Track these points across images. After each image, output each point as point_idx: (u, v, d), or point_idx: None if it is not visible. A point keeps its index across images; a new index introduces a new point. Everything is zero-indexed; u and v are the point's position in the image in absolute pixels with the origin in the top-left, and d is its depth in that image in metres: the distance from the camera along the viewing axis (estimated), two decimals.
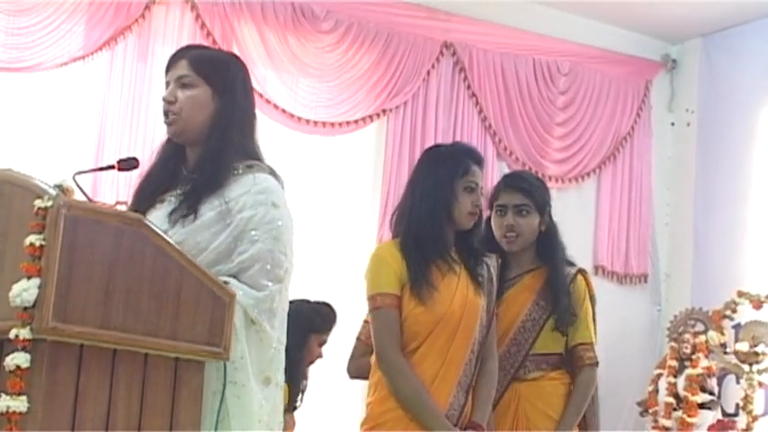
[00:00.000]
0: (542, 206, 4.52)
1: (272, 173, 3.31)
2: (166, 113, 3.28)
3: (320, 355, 5.16)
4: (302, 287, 5.21)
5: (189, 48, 3.37)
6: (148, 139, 6.45)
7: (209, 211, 3.17)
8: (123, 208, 5.96)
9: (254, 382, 3.07)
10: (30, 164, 5.87)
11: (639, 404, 7.74)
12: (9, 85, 6.46)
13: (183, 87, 3.25)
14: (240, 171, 3.24)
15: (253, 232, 3.13)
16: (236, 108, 3.29)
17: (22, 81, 6.48)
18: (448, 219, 3.95)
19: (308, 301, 5.25)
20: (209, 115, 3.26)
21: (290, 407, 4.96)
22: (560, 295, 4.38)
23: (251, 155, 3.31)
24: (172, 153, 3.35)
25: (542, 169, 8.13)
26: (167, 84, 3.31)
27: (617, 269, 8.45)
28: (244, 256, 3.11)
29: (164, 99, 3.28)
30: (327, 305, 5.35)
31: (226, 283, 2.99)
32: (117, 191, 6.37)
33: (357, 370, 4.62)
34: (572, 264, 4.56)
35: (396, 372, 3.82)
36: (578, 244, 8.10)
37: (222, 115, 3.26)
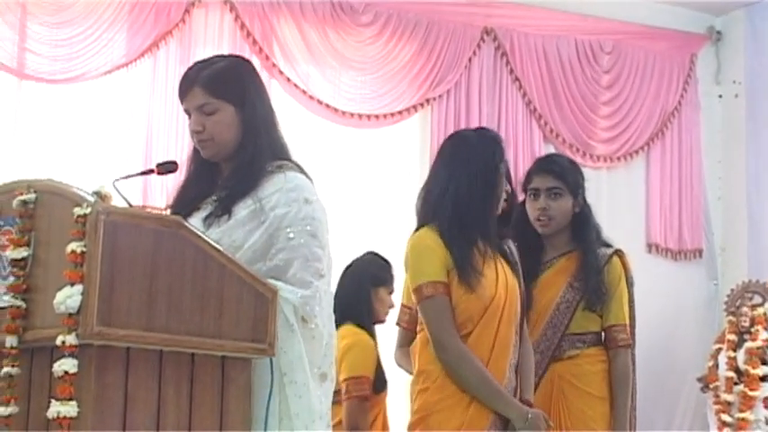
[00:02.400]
0: (575, 188, 4.52)
1: (301, 170, 3.34)
2: (198, 141, 3.33)
3: (392, 305, 5.13)
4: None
5: (196, 71, 3.35)
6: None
7: (242, 210, 3.21)
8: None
9: (312, 380, 3.11)
10: (80, 173, 5.99)
11: (700, 380, 7.70)
12: (55, 96, 6.56)
13: (207, 115, 3.29)
14: (271, 170, 3.27)
15: (288, 229, 3.16)
16: (259, 113, 3.33)
17: (68, 92, 6.58)
18: (496, 203, 3.95)
19: (360, 259, 5.23)
20: (237, 130, 3.30)
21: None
22: (590, 275, 4.39)
23: (280, 154, 3.34)
24: (206, 165, 3.39)
25: (590, 149, 8.12)
26: (187, 112, 3.36)
27: (671, 246, 8.40)
28: (282, 254, 3.14)
29: (192, 131, 3.33)
30: (375, 254, 5.34)
31: None
32: (167, 195, 6.42)
33: (402, 358, 4.61)
34: (608, 245, 4.55)
35: (458, 358, 3.80)
36: (630, 222, 8.16)
37: (249, 125, 3.30)
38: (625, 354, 4.44)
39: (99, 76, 6.58)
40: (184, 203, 3.37)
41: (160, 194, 6.44)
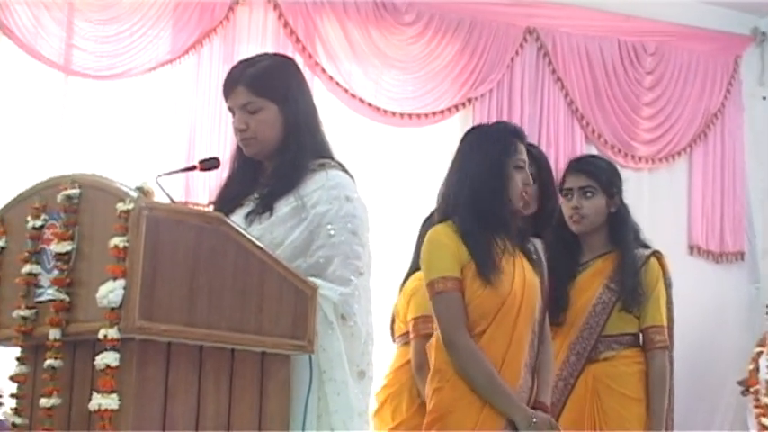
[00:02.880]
0: (608, 187, 4.52)
1: (343, 168, 3.36)
2: (241, 139, 3.36)
3: None
4: (392, 278, 5.27)
5: (240, 69, 3.39)
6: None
7: (284, 207, 3.23)
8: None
9: (350, 377, 3.13)
10: (124, 169, 6.05)
11: (740, 383, 7.65)
12: (101, 92, 6.63)
13: (251, 113, 3.32)
14: (313, 169, 3.30)
15: (329, 227, 3.19)
16: (301, 111, 3.36)
17: (113, 88, 6.65)
18: (509, 197, 3.94)
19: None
20: (280, 129, 3.33)
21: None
22: (626, 276, 4.38)
23: (321, 152, 3.36)
24: (249, 163, 3.42)
25: (632, 150, 8.10)
26: (231, 110, 3.39)
27: (712, 248, 8.37)
28: (322, 251, 3.17)
29: (236, 129, 3.36)
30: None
31: None
32: (209, 192, 6.48)
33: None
34: (647, 246, 4.54)
35: (467, 356, 3.73)
36: (672, 224, 8.13)
37: (292, 124, 3.33)
38: (662, 355, 4.41)
39: (144, 72, 6.65)
40: (227, 201, 3.40)
41: (203, 190, 6.49)
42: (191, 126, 6.72)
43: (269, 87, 3.33)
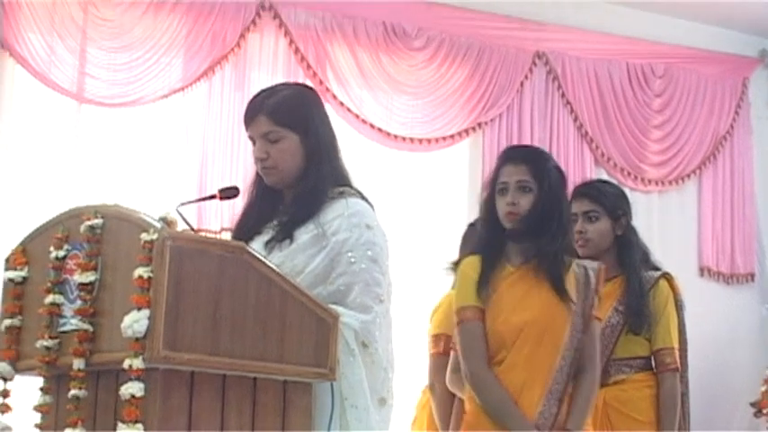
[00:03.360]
0: (613, 210, 4.55)
1: (362, 196, 3.39)
2: (262, 168, 3.38)
3: None
4: (398, 302, 5.28)
5: (261, 99, 3.40)
6: (249, 166, 6.53)
7: (304, 234, 3.26)
8: (227, 235, 6.15)
9: (372, 405, 3.15)
10: (136, 196, 6.07)
11: (753, 405, 7.64)
12: (114, 119, 6.66)
13: (272, 142, 3.34)
14: (332, 197, 3.32)
15: (349, 254, 3.21)
16: (322, 142, 3.39)
17: (125, 115, 6.68)
18: (492, 222, 3.95)
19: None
20: (301, 158, 3.35)
21: None
22: (633, 299, 4.41)
23: (341, 180, 3.39)
24: (268, 191, 3.45)
25: (641, 173, 8.12)
26: (252, 139, 3.40)
27: (723, 269, 8.37)
28: (342, 278, 3.19)
29: (257, 158, 3.37)
30: None
31: None
32: (221, 218, 6.50)
33: (455, 383, 4.55)
34: (657, 269, 4.56)
35: (482, 385, 3.81)
36: (682, 246, 8.14)
37: (313, 153, 3.36)
38: (672, 377, 4.41)
39: (156, 99, 6.67)
40: (246, 228, 3.43)
41: (215, 217, 6.50)
42: (202, 153, 6.73)
43: (290, 117, 3.35)
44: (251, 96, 3.47)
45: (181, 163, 6.74)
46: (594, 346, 3.93)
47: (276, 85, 3.52)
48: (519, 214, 3.86)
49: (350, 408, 3.09)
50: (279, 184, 3.40)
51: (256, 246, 3.26)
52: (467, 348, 3.86)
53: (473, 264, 3.92)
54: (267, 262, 2.90)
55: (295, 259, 3.23)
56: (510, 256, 3.94)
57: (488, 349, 3.83)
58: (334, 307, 3.06)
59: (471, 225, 5.05)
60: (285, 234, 3.29)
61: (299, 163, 3.35)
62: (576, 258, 4.04)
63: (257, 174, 3.46)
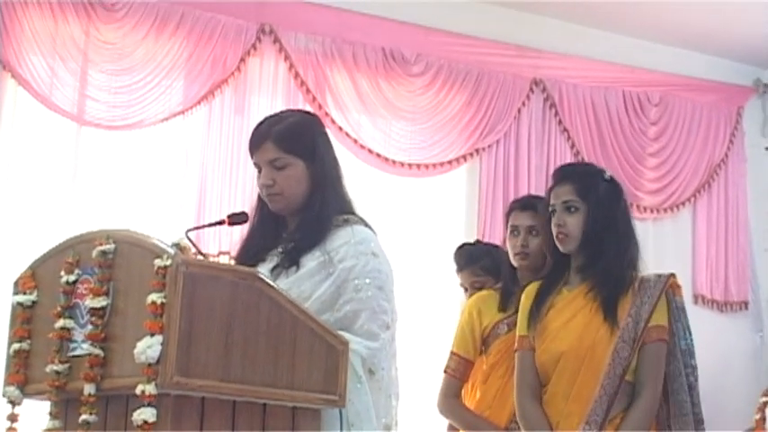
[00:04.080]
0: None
1: (366, 224, 3.41)
2: (267, 194, 3.39)
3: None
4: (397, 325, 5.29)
5: (267, 126, 3.41)
6: (248, 191, 6.61)
7: (310, 261, 3.28)
8: (226, 259, 6.16)
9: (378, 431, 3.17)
10: (135, 218, 6.08)
11: None
12: (114, 141, 6.67)
13: (278, 169, 3.35)
14: (337, 224, 3.34)
15: (356, 281, 3.23)
16: (327, 169, 3.41)
17: (125, 138, 6.69)
18: (555, 247, 3.95)
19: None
20: (306, 185, 3.37)
21: None
22: None
23: (345, 208, 3.42)
24: (271, 218, 3.46)
25: (637, 200, 8.14)
26: (257, 165, 3.41)
27: (717, 297, 8.40)
28: (349, 305, 3.21)
29: (262, 184, 3.38)
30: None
31: None
32: (219, 242, 6.50)
33: (447, 411, 4.52)
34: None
35: (521, 416, 3.82)
36: (676, 273, 8.12)
37: (317, 180, 3.38)
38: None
39: (156, 123, 6.68)
40: (249, 254, 3.44)
41: (213, 241, 6.49)
42: (201, 176, 6.74)
43: (297, 144, 3.37)
44: (253, 122, 3.52)
45: (180, 186, 6.74)
46: (648, 370, 3.72)
47: (282, 112, 3.54)
48: (567, 235, 3.81)
49: (358, 420, 3.10)
50: (284, 211, 3.42)
51: (262, 272, 3.27)
52: (516, 378, 3.87)
53: (530, 291, 3.92)
54: (279, 289, 2.91)
55: (302, 286, 3.24)
56: (570, 280, 3.88)
57: (540, 379, 3.82)
58: (341, 333, 3.06)
59: (468, 245, 5.06)
60: (291, 261, 3.30)
61: (304, 190, 3.37)
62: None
63: (260, 200, 3.48)
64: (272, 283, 2.89)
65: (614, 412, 3.70)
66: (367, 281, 3.25)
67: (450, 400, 4.50)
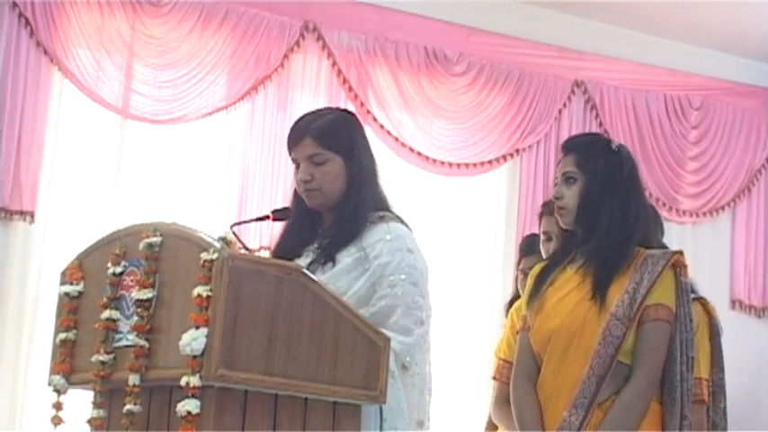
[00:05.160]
0: None
1: (402, 221, 3.44)
2: (305, 190, 3.42)
3: None
4: (433, 324, 5.30)
5: (306, 122, 3.45)
6: (289, 186, 6.61)
7: (346, 257, 3.32)
8: (266, 254, 6.19)
9: (410, 427, 3.18)
10: (177, 212, 6.13)
11: None
12: (157, 136, 6.75)
13: (317, 165, 3.39)
14: (373, 221, 3.38)
15: (391, 278, 3.26)
16: (364, 166, 3.44)
17: (169, 132, 6.77)
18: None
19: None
20: (344, 181, 3.41)
21: None
22: None
23: (381, 205, 3.45)
24: (307, 214, 3.49)
25: (676, 204, 8.13)
26: (295, 161, 3.45)
27: (755, 302, 8.36)
28: (384, 301, 3.24)
29: (300, 180, 3.41)
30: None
31: None
32: (260, 237, 6.54)
33: (501, 418, 4.32)
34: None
35: (514, 400, 3.61)
36: (714, 278, 8.12)
37: (355, 177, 3.41)
38: (699, 410, 3.86)
39: (199, 117, 6.74)
40: (285, 250, 3.46)
41: (254, 237, 6.52)
42: (243, 171, 6.79)
43: (335, 140, 3.40)
44: (295, 118, 3.53)
45: (222, 181, 6.80)
46: (643, 352, 3.44)
47: (321, 109, 3.59)
48: (564, 208, 3.55)
49: (389, 429, 3.11)
50: (320, 207, 3.45)
51: (302, 262, 3.32)
52: (514, 360, 3.68)
53: (536, 270, 3.72)
54: (322, 284, 2.93)
55: (338, 282, 3.26)
56: (575, 258, 3.60)
57: (536, 361, 3.60)
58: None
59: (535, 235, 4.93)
60: (327, 257, 3.34)
61: (341, 186, 3.40)
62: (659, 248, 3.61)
63: (296, 195, 3.51)
64: (315, 278, 2.91)
65: (605, 395, 3.41)
66: (402, 277, 3.27)
67: (505, 406, 4.32)
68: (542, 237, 4.43)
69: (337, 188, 3.40)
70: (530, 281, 3.72)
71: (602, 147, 3.61)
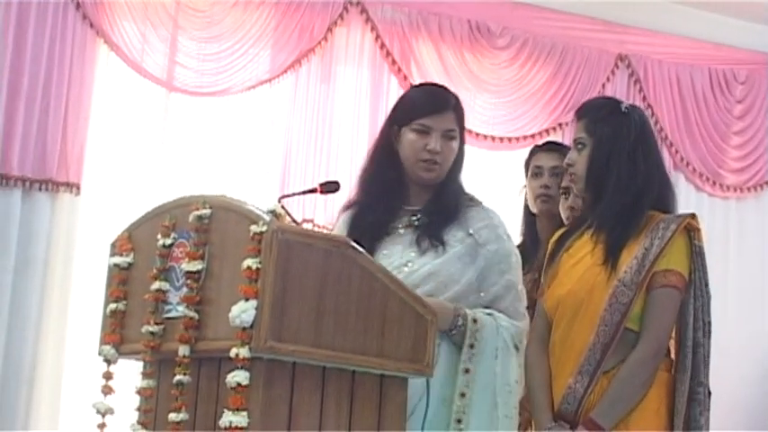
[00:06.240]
0: None
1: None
2: (431, 161, 3.46)
3: None
4: None
5: (449, 94, 3.57)
6: (332, 159, 6.72)
7: (456, 242, 3.43)
8: (310, 226, 6.22)
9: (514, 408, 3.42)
10: (221, 184, 6.16)
11: None
12: (201, 108, 6.77)
13: (449, 140, 3.47)
14: (465, 203, 3.50)
15: (501, 265, 3.42)
16: (463, 148, 3.56)
17: (213, 104, 6.79)
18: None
19: None
20: (452, 161, 3.51)
21: None
22: None
23: (463, 188, 3.57)
24: (395, 189, 3.54)
25: (720, 179, 8.09)
26: (426, 128, 3.46)
27: None
28: (496, 287, 3.40)
29: (432, 149, 3.44)
30: None
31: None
32: (303, 209, 6.56)
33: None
34: None
35: (525, 363, 3.51)
36: (758, 252, 8.08)
37: (459, 158, 3.54)
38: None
39: (243, 90, 6.76)
40: (367, 224, 3.50)
41: (297, 209, 6.53)
42: (287, 144, 6.82)
43: (463, 120, 3.56)
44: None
45: (265, 153, 6.83)
46: (651, 319, 3.36)
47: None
48: (575, 174, 3.49)
49: (509, 406, 3.37)
50: (433, 181, 3.50)
51: (398, 247, 3.44)
52: (531, 324, 3.59)
53: (555, 235, 3.67)
54: (369, 257, 2.94)
55: (452, 268, 3.39)
56: (593, 223, 3.52)
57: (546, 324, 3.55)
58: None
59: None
60: (437, 239, 3.43)
61: (450, 165, 3.50)
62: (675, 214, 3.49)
63: (385, 165, 3.54)
64: (363, 251, 2.91)
65: (612, 362, 3.35)
66: (509, 265, 3.45)
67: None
68: (531, 174, 4.50)
69: (449, 166, 3.49)
70: (549, 246, 3.69)
71: (609, 110, 3.51)
